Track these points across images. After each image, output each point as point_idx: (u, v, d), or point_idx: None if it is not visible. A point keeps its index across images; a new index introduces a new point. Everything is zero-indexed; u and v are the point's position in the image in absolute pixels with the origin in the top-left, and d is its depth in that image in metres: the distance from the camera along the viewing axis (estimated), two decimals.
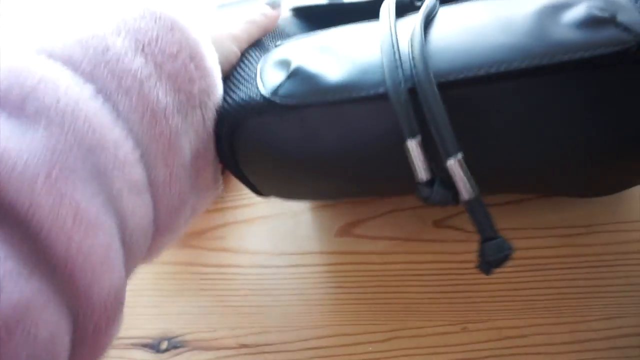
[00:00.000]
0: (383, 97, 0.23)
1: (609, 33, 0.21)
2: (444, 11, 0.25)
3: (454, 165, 0.22)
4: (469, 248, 0.32)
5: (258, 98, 0.25)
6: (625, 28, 0.21)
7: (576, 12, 0.22)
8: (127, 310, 0.34)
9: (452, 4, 0.26)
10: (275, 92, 0.25)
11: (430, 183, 0.23)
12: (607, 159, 0.24)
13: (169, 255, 0.37)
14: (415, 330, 0.29)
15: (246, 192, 0.39)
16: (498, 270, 0.30)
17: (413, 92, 0.22)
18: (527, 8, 0.23)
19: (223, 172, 0.40)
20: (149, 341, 0.33)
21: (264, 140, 0.26)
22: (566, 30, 0.22)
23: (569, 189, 0.29)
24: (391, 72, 0.22)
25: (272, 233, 0.36)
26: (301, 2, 0.35)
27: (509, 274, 0.30)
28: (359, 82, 0.23)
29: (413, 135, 0.22)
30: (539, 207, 0.32)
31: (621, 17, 0.21)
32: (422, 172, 0.23)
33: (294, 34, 0.32)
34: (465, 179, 0.22)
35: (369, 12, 0.32)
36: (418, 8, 0.27)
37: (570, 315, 0.28)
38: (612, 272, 0.29)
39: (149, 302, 0.35)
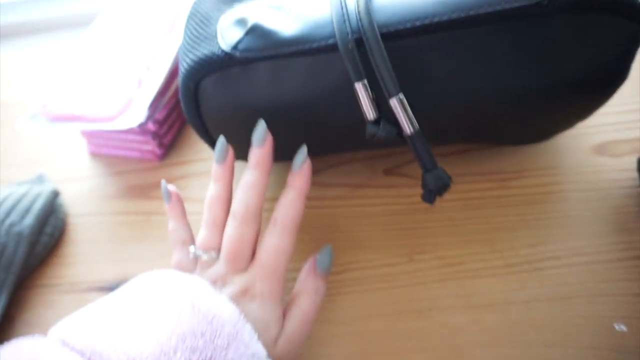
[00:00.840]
0: (333, 48, 0.26)
1: None
2: None
3: (396, 103, 0.25)
4: (415, 192, 0.35)
5: (219, 53, 0.27)
6: None
7: None
8: (83, 257, 0.35)
9: None
10: (235, 47, 0.27)
11: (377, 122, 0.26)
12: (531, 105, 0.28)
13: (129, 206, 0.38)
14: (365, 262, 0.32)
15: (205, 147, 0.41)
16: (440, 204, 0.33)
17: (359, 42, 0.25)
18: None
19: (181, 130, 0.41)
20: (107, 284, 0.33)
21: (226, 92, 0.28)
22: None
23: (500, 138, 0.33)
24: (339, 25, 0.25)
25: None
26: None
27: (451, 213, 0.33)
28: (311, 35, 0.26)
29: (360, 79, 0.25)
30: (477, 157, 0.36)
31: None
32: (369, 111, 0.26)
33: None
34: (406, 115, 0.25)
35: None
36: None
37: (501, 244, 0.31)
38: (536, 209, 0.32)
39: (106, 250, 0.35)
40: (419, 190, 0.35)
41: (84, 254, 0.35)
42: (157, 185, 0.39)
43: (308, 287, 0.27)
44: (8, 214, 0.34)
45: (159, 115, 0.38)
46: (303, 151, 0.27)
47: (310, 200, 0.35)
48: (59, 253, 0.36)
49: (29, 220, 0.34)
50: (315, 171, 0.37)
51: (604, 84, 0.26)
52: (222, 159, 0.27)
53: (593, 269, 0.29)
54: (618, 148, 0.34)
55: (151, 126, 0.38)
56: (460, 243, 0.32)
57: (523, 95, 0.27)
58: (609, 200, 0.32)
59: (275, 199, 0.35)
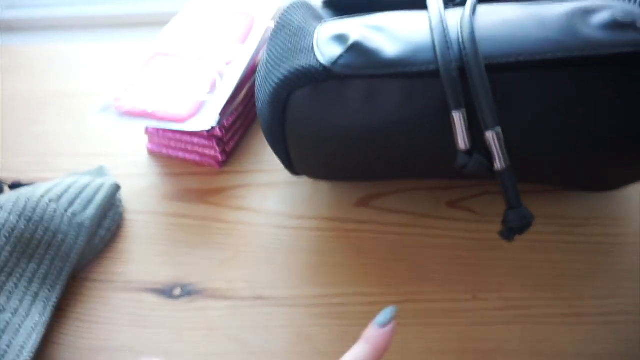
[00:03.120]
0: (433, 74, 0.26)
1: (630, 36, 0.25)
2: (483, 8, 0.28)
3: (492, 136, 0.25)
4: (480, 228, 0.34)
5: (318, 66, 0.27)
6: None
7: (602, 16, 0.26)
8: (138, 256, 0.34)
9: (487, 3, 0.29)
10: (334, 62, 0.27)
11: (468, 152, 0.26)
12: (618, 151, 0.28)
13: (185, 208, 0.37)
14: (428, 295, 0.31)
15: (267, 158, 0.41)
16: (504, 243, 0.32)
17: (461, 71, 0.25)
18: (558, 10, 0.27)
19: (242, 138, 0.40)
20: (160, 287, 0.33)
21: (317, 106, 0.28)
22: (593, 30, 0.25)
23: (574, 182, 0.33)
24: (442, 51, 0.25)
25: (291, 198, 0.37)
26: None
27: (515, 253, 0.33)
28: (412, 59, 0.26)
29: (459, 107, 0.25)
30: (544, 199, 0.35)
31: None
32: (463, 141, 0.26)
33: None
34: (500, 150, 0.25)
35: (399, 7, 0.35)
36: (453, 4, 0.30)
37: (568, 292, 0.30)
38: (606, 259, 0.32)
39: (162, 251, 0.35)
40: (483, 226, 0.34)
41: (138, 252, 0.35)
42: (216, 192, 0.38)
43: (364, 336, 0.24)
44: (71, 203, 0.34)
45: (226, 122, 0.38)
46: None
47: (374, 224, 0.35)
48: (115, 248, 0.35)
49: (91, 211, 0.34)
50: (376, 196, 0.37)
51: None
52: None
53: None
54: None
55: (218, 132, 0.38)
56: (526, 286, 0.31)
57: (616, 141, 0.27)
58: None
59: (324, 217, 0.35)
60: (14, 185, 0.38)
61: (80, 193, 0.35)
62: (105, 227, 0.35)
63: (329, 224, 0.35)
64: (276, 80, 0.28)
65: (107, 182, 0.37)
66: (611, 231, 0.33)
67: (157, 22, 0.62)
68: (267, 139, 0.31)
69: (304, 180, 0.38)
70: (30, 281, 0.31)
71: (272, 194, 0.38)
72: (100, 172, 0.39)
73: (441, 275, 0.32)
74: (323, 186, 0.38)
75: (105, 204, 0.36)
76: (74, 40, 0.62)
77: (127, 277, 0.34)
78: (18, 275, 0.30)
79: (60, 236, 0.32)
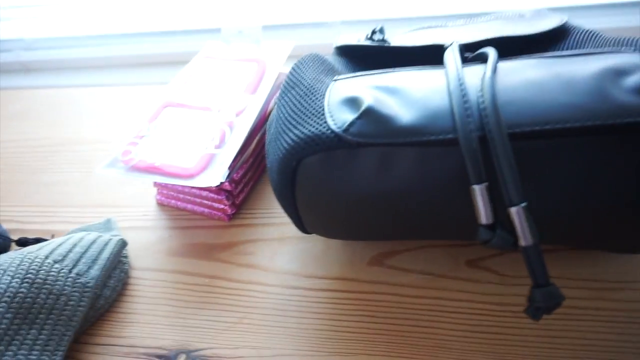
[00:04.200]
0: (452, 143, 0.24)
1: None
2: (504, 65, 0.26)
3: (517, 212, 0.23)
4: (502, 291, 0.32)
5: (329, 133, 0.26)
6: None
7: (636, 78, 0.24)
8: (142, 318, 0.33)
9: (506, 59, 0.27)
10: (346, 129, 0.25)
11: (491, 227, 0.24)
12: None
13: (193, 265, 0.36)
14: None
15: (278, 210, 0.39)
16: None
17: (481, 139, 0.23)
18: (586, 69, 0.25)
19: (253, 188, 0.39)
20: (165, 352, 0.31)
21: (328, 175, 0.26)
22: (626, 94, 0.23)
23: (606, 244, 0.30)
24: (462, 119, 0.23)
25: (302, 254, 0.36)
26: (346, 41, 0.37)
27: (545, 320, 0.30)
28: (429, 127, 0.24)
29: (480, 181, 0.23)
30: (571, 259, 0.33)
31: None
32: (485, 216, 0.24)
33: (341, 72, 0.33)
34: (527, 226, 0.23)
35: (414, 57, 0.34)
36: (468, 60, 0.29)
37: None
38: (636, 329, 0.29)
39: (167, 312, 0.34)
40: (506, 289, 0.32)
41: (143, 314, 0.34)
42: (224, 247, 0.37)
43: None
44: (76, 263, 0.33)
45: (236, 175, 0.37)
46: None
47: (388, 285, 0.33)
48: (119, 309, 0.34)
49: (96, 271, 0.33)
50: (390, 254, 0.35)
51: None
52: None
53: None
54: None
55: (227, 185, 0.37)
56: (554, 359, 0.28)
57: None
58: None
59: (336, 277, 0.33)
60: (21, 242, 0.37)
61: (85, 252, 0.34)
62: (110, 286, 0.34)
63: (341, 284, 0.34)
64: (286, 146, 0.27)
65: (114, 238, 0.36)
66: None
67: (169, 61, 0.62)
68: (278, 201, 0.30)
69: (314, 236, 0.37)
70: (31, 349, 0.30)
71: (282, 250, 0.36)
72: (107, 225, 0.39)
73: (460, 345, 0.30)
74: (335, 242, 0.36)
75: (111, 263, 0.35)
76: (89, 81, 0.62)
77: (131, 342, 0.32)
78: (18, 343, 0.29)
79: (63, 299, 0.31)
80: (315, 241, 0.37)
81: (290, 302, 0.33)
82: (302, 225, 0.31)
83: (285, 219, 0.38)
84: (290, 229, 0.38)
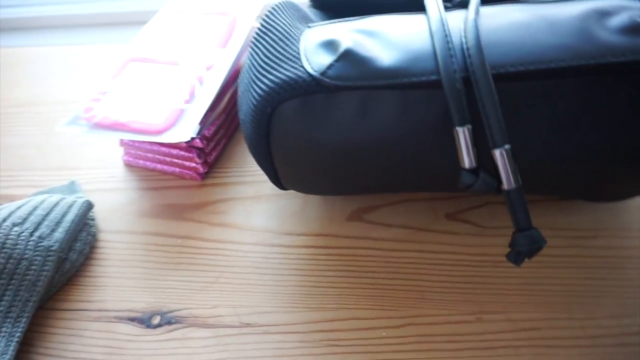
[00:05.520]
0: (434, 84, 0.23)
1: None
2: (487, 9, 0.25)
3: (501, 154, 0.22)
4: (482, 242, 0.32)
5: (306, 77, 0.24)
6: None
7: (620, 19, 0.23)
8: (113, 281, 0.32)
9: (491, 4, 0.26)
10: (324, 72, 0.24)
11: (474, 171, 0.23)
12: (631, 165, 0.25)
13: (165, 226, 0.35)
14: (430, 317, 0.29)
15: (253, 168, 0.38)
16: (511, 264, 0.30)
17: (465, 81, 0.22)
18: (571, 11, 0.24)
19: (225, 146, 0.38)
20: (138, 315, 0.30)
21: (306, 121, 0.25)
22: (612, 34, 0.23)
23: (584, 193, 0.30)
24: (445, 60, 0.22)
25: (279, 212, 0.35)
26: None
27: (522, 270, 0.30)
28: (411, 69, 0.23)
29: (464, 123, 0.22)
30: (550, 209, 0.33)
31: None
32: (468, 159, 0.23)
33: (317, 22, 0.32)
34: (510, 169, 0.23)
35: (394, 7, 0.33)
36: (452, 5, 0.28)
37: (580, 312, 0.28)
38: (616, 274, 0.30)
39: (139, 275, 0.32)
40: (485, 240, 0.32)
41: (113, 277, 0.32)
42: (197, 207, 0.36)
43: None
44: (37, 226, 0.31)
45: (207, 132, 0.36)
46: None
47: (368, 240, 0.32)
48: (87, 273, 0.32)
49: (59, 234, 0.31)
50: (369, 209, 0.34)
51: None
52: None
53: None
54: None
55: (198, 142, 0.35)
56: (534, 305, 0.29)
57: (633, 151, 0.24)
58: None
59: (314, 234, 0.32)
60: None
61: (47, 214, 0.32)
62: (76, 249, 0.32)
63: (321, 240, 0.33)
64: (260, 92, 0.25)
65: (79, 200, 0.34)
66: (621, 243, 0.31)
67: (135, 21, 0.59)
68: (252, 154, 0.29)
69: (291, 193, 0.36)
70: None
71: (258, 208, 0.35)
72: (71, 187, 0.36)
73: (442, 296, 0.30)
74: (313, 198, 0.35)
75: (76, 225, 0.33)
76: (48, 41, 0.58)
77: (101, 305, 0.31)
78: None
79: (24, 263, 0.29)
80: (292, 198, 0.35)
81: (269, 259, 0.32)
82: (279, 180, 0.30)
83: (261, 177, 0.37)
84: (266, 186, 0.36)
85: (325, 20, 0.35)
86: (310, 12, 0.34)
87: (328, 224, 0.34)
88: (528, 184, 0.29)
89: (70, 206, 0.33)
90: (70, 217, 0.33)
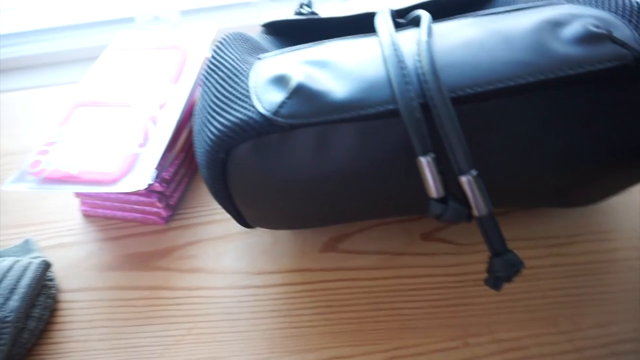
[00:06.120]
0: (392, 113, 0.22)
1: (607, 49, 0.22)
2: (439, 27, 0.25)
3: (468, 182, 0.21)
4: (460, 260, 0.31)
5: (257, 118, 0.23)
6: (623, 44, 0.22)
7: (573, 29, 0.23)
8: (78, 345, 0.30)
9: (440, 20, 0.26)
10: (276, 111, 0.23)
11: (443, 200, 0.22)
12: (600, 169, 0.25)
13: (130, 278, 0.33)
14: (415, 348, 0.27)
15: (219, 206, 0.36)
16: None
17: (424, 106, 0.21)
18: (523, 24, 0.23)
19: (188, 186, 0.36)
20: None
21: (262, 163, 0.24)
22: (566, 46, 0.22)
23: (556, 200, 0.30)
24: (400, 87, 0.21)
25: (249, 250, 0.33)
26: (273, 17, 0.34)
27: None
28: (366, 100, 0.22)
29: (426, 152, 0.21)
30: (523, 219, 0.33)
31: (616, 34, 0.22)
32: (435, 189, 0.22)
33: (269, 51, 0.31)
34: (479, 195, 0.22)
35: (346, 28, 0.32)
36: (400, 25, 0.27)
37: (566, 324, 0.28)
38: (598, 280, 0.29)
39: (105, 335, 0.30)
40: (463, 258, 0.31)
41: (79, 341, 0.30)
42: (163, 253, 0.34)
43: None
44: None
45: (166, 174, 0.34)
46: None
47: (344, 271, 0.31)
48: (49, 340, 0.30)
49: (14, 302, 0.29)
50: (342, 237, 0.33)
51: None
52: None
53: None
54: None
55: (158, 186, 0.33)
56: (519, 323, 0.28)
57: (597, 157, 0.24)
58: None
59: (288, 270, 0.31)
60: None
61: (0, 282, 0.30)
62: (35, 316, 0.30)
63: (295, 276, 0.31)
64: (211, 137, 0.23)
65: (34, 260, 0.32)
66: (599, 247, 0.31)
67: (84, 58, 0.57)
68: (212, 196, 0.27)
69: (261, 229, 0.34)
70: None
71: (227, 248, 0.34)
72: (25, 247, 0.34)
73: (425, 322, 0.28)
74: (283, 233, 0.34)
75: (33, 290, 0.30)
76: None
77: None
78: None
79: None
80: (262, 234, 0.34)
81: (242, 303, 0.31)
82: (244, 220, 0.29)
83: (226, 214, 0.36)
84: (234, 224, 0.35)
85: (278, 45, 0.34)
86: (262, 39, 0.33)
87: (300, 258, 0.32)
88: (500, 199, 0.28)
89: (26, 269, 0.31)
90: (25, 281, 0.30)
